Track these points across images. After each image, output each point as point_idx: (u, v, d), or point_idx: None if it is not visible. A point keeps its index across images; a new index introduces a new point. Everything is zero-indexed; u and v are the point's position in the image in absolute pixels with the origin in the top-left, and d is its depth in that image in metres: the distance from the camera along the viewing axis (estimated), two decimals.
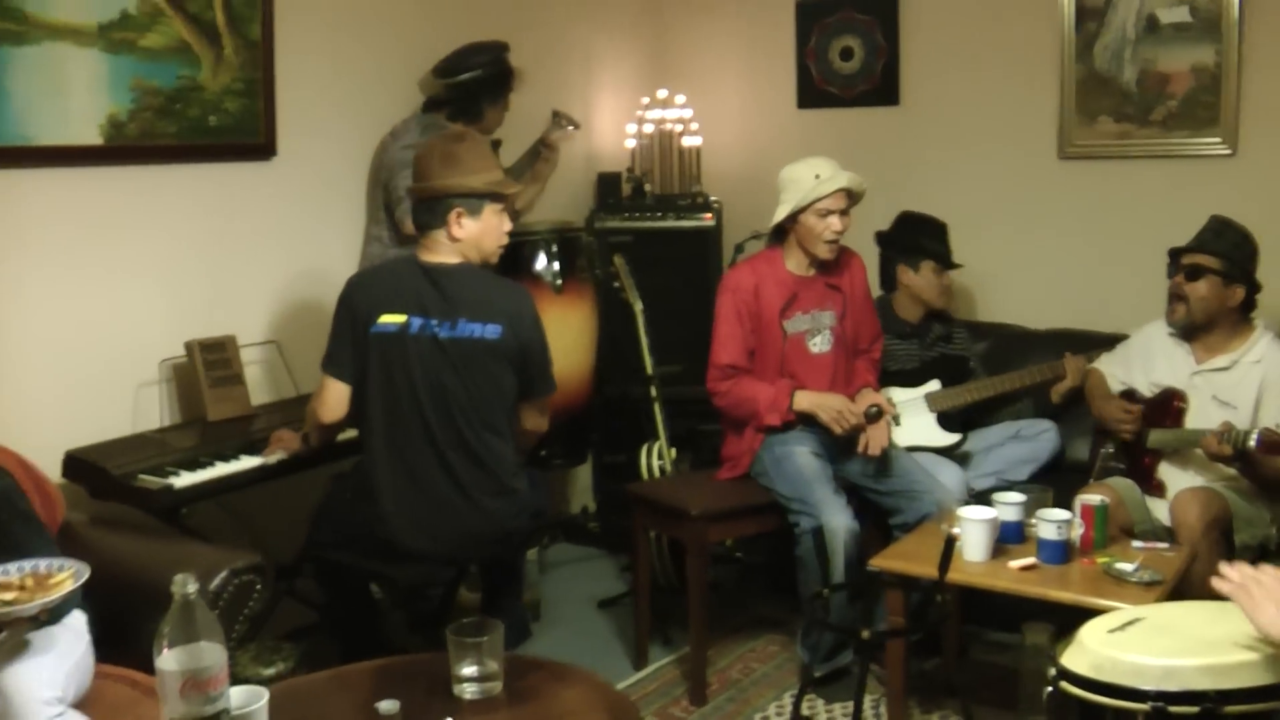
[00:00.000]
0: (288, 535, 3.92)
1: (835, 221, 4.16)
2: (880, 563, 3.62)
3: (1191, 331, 4.13)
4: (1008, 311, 5.22)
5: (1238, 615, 2.25)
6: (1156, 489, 4.10)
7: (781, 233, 4.25)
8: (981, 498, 4.24)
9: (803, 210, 4.15)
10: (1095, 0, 4.97)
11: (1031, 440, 4.66)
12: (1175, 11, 4.83)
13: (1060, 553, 3.46)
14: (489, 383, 3.50)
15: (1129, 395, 4.34)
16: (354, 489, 3.53)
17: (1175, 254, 4.16)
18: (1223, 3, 4.72)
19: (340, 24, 4.53)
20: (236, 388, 4.00)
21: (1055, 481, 4.39)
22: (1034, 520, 3.58)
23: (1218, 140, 4.82)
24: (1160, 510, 4.04)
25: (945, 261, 4.76)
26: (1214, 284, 4.04)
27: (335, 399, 3.49)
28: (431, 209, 3.50)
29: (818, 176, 4.15)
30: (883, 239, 4.84)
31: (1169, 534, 3.94)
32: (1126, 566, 3.36)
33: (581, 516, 5.59)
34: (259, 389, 4.21)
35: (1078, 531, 3.55)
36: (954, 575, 3.39)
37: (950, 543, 3.34)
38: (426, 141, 3.84)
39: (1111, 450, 4.32)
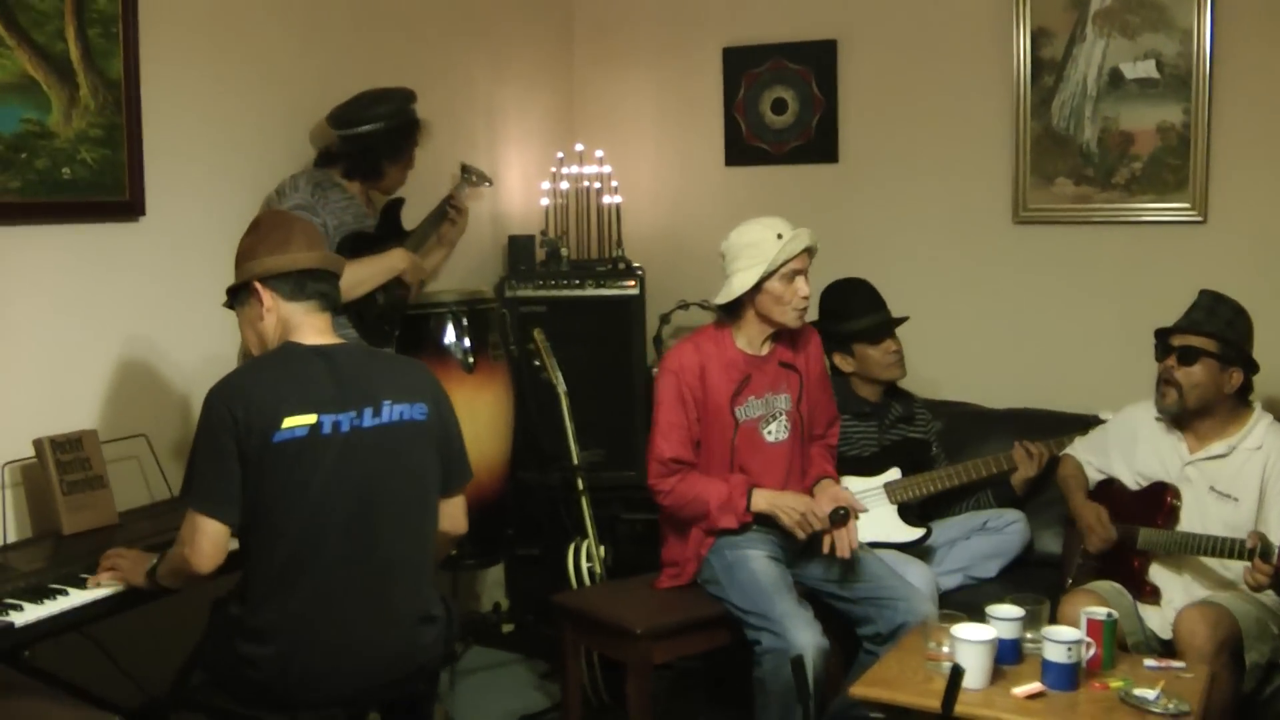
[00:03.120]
0: (170, 658, 3.37)
1: (803, 285, 3.72)
2: (862, 691, 3.12)
3: (1183, 418, 3.75)
4: (962, 389, 4.83)
5: None
6: (1150, 595, 3.70)
7: (735, 306, 3.76)
8: (947, 599, 3.90)
9: (770, 275, 3.68)
10: (1052, 52, 4.62)
11: (999, 533, 4.27)
12: (1140, 66, 4.49)
13: (1070, 677, 3.03)
14: (420, 475, 2.94)
15: (1107, 485, 3.95)
16: (235, 622, 2.88)
17: (1163, 334, 3.78)
18: (1192, 57, 4.40)
19: (219, 62, 3.96)
20: (98, 493, 3.37)
21: (1026, 579, 4.13)
22: (1032, 637, 3.17)
23: (1186, 206, 4.48)
24: (1154, 620, 3.66)
25: (875, 334, 4.31)
26: (1210, 368, 3.67)
27: (215, 545, 2.78)
28: (328, 280, 2.96)
29: (779, 236, 3.70)
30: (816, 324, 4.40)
31: (1164, 646, 3.57)
32: (1147, 694, 2.96)
33: (494, 616, 5.03)
34: (126, 492, 3.57)
35: (1089, 653, 3.10)
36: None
37: (957, 675, 2.85)
38: (263, 221, 3.26)
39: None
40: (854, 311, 4.34)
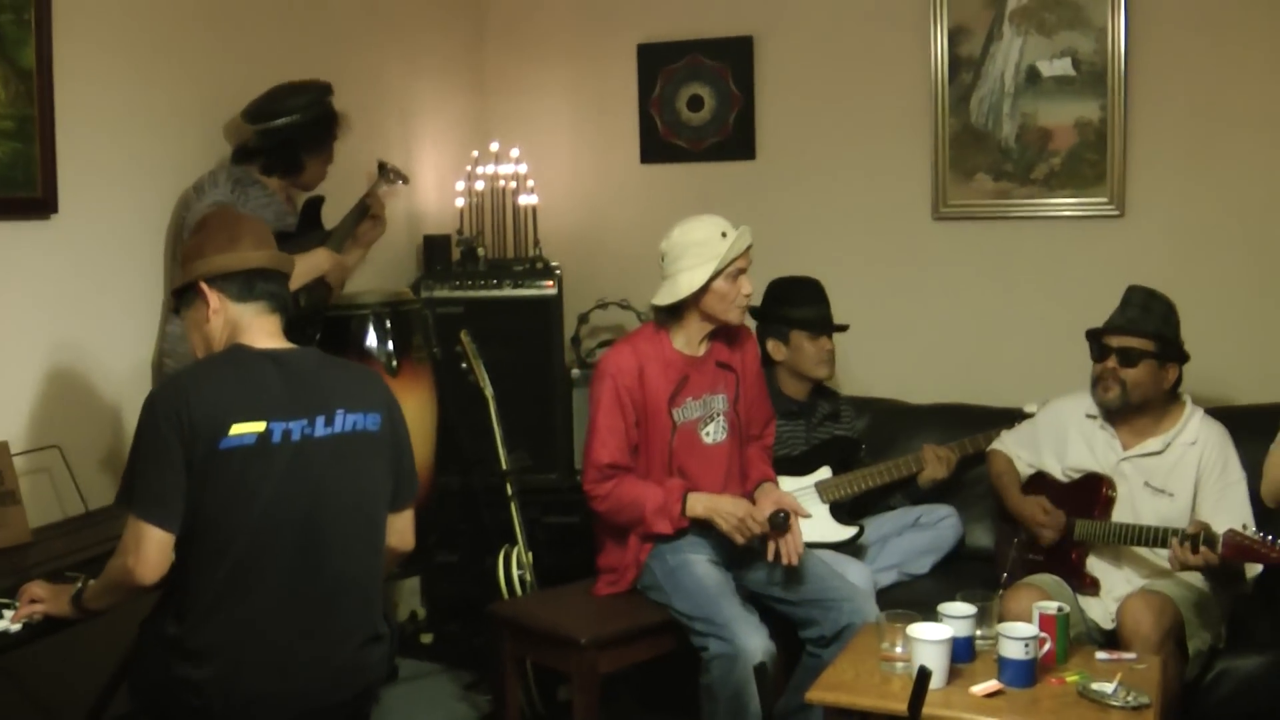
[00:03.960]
0: (90, 684, 3.17)
1: (746, 283, 3.67)
2: (820, 697, 3.06)
3: (1121, 414, 3.76)
4: (885, 385, 4.82)
5: None
6: (1089, 586, 3.72)
7: (676, 306, 3.68)
8: (882, 597, 3.87)
9: (718, 274, 3.61)
10: (970, 49, 4.64)
11: (932, 529, 4.28)
12: (1057, 64, 4.54)
13: (1028, 674, 3.01)
14: (372, 489, 2.80)
15: (1039, 478, 3.95)
16: (172, 643, 2.70)
17: (1098, 334, 3.79)
18: (1108, 54, 4.45)
19: (136, 53, 3.76)
20: (9, 509, 3.16)
21: (959, 574, 4.15)
22: (983, 634, 3.16)
23: (1104, 200, 4.54)
24: (1095, 610, 3.68)
25: (817, 327, 4.29)
26: (1150, 367, 3.70)
27: (161, 554, 2.60)
28: (277, 281, 2.81)
29: (724, 234, 3.63)
30: (753, 313, 4.35)
31: (1105, 637, 3.60)
32: (1106, 687, 2.94)
33: (411, 625, 4.88)
34: (39, 508, 3.36)
35: (1044, 648, 3.09)
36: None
37: (925, 676, 2.80)
38: (210, 219, 3.11)
39: (1026, 540, 3.92)
40: (800, 300, 4.31)
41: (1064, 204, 4.61)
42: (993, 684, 2.99)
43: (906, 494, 4.38)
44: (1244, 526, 3.31)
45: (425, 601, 4.97)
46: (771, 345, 4.31)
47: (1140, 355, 3.68)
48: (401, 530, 2.98)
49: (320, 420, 2.70)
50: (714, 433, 3.75)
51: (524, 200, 5.01)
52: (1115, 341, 3.71)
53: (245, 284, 2.76)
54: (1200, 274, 4.40)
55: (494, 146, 5.07)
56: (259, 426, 2.62)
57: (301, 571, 2.68)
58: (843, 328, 4.38)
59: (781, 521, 3.62)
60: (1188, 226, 4.47)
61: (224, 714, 2.65)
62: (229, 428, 2.59)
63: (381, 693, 4.28)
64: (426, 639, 4.81)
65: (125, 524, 2.61)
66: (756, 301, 4.30)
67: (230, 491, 2.61)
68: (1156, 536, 3.54)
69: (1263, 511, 3.53)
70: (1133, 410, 3.75)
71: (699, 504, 3.64)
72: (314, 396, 2.71)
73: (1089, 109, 4.51)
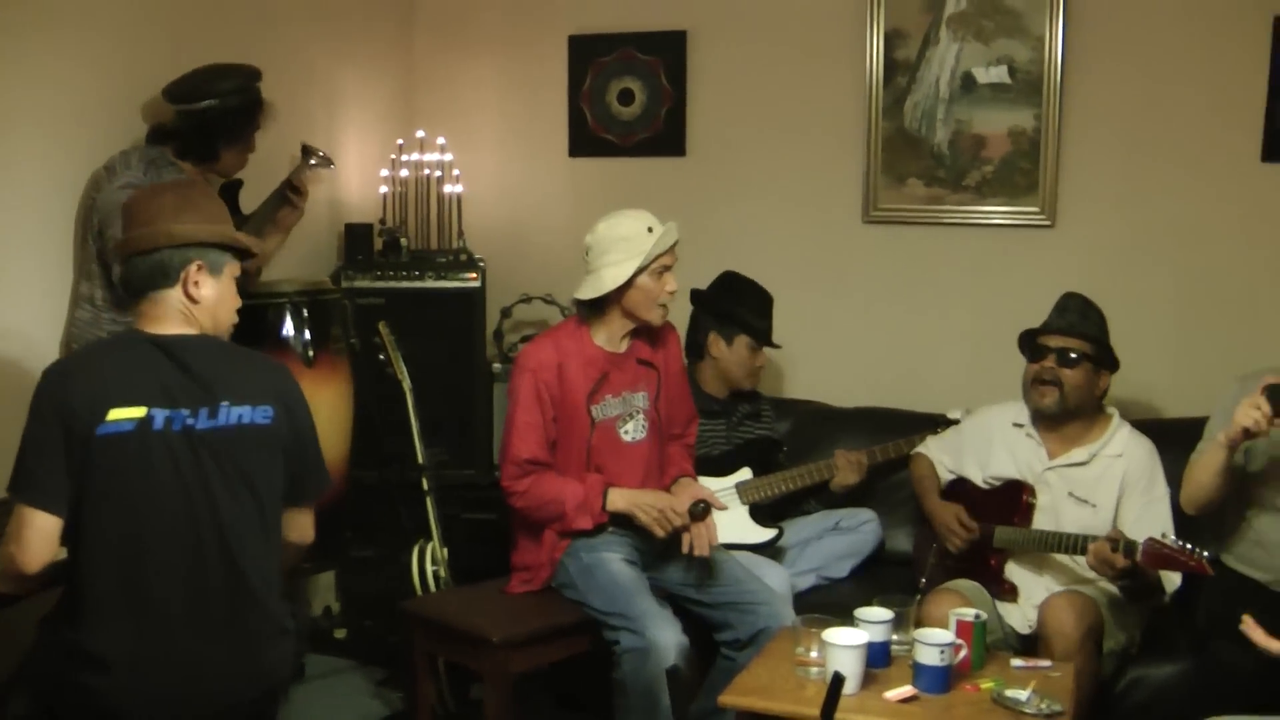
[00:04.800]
0: None
1: (671, 280, 3.62)
2: (733, 701, 3.01)
3: (1050, 421, 3.75)
4: (810, 388, 4.79)
5: None
6: (1008, 593, 3.71)
7: (598, 301, 3.62)
8: (801, 601, 3.84)
9: (642, 270, 3.55)
10: (906, 54, 4.62)
11: (852, 532, 4.26)
12: (993, 71, 4.52)
13: (942, 680, 2.98)
14: (263, 484, 2.70)
15: (960, 484, 3.95)
16: (69, 648, 2.61)
17: (1032, 336, 3.77)
18: (1044, 64, 4.44)
19: (45, 23, 3.62)
20: None
21: (879, 578, 4.13)
22: (899, 639, 3.13)
23: (1036, 210, 4.53)
24: (1014, 616, 3.67)
25: (764, 339, 4.26)
26: (1087, 371, 3.70)
27: (42, 539, 2.52)
28: (161, 264, 2.69)
29: (650, 230, 3.58)
30: (699, 298, 4.31)
31: (1022, 643, 3.58)
32: (1020, 694, 2.92)
33: (325, 620, 4.78)
34: None
35: (959, 654, 3.06)
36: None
37: (838, 682, 2.77)
38: (147, 185, 3.03)
39: (945, 545, 3.90)
40: (757, 307, 4.29)
41: (995, 212, 4.59)
42: (907, 690, 2.96)
43: (820, 499, 4.35)
44: (1163, 535, 3.31)
45: (340, 597, 4.88)
46: (713, 338, 4.26)
47: (1079, 358, 3.67)
48: (301, 525, 2.91)
49: (204, 412, 2.63)
50: (633, 431, 3.70)
51: (449, 190, 4.92)
52: (1054, 342, 3.70)
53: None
54: (1129, 286, 4.40)
55: (420, 134, 4.97)
56: (138, 412, 2.55)
57: (194, 569, 2.60)
58: (777, 346, 4.38)
59: (701, 511, 3.58)
60: (1118, 239, 4.47)
61: (126, 717, 2.57)
62: (107, 413, 2.52)
63: (291, 690, 4.21)
64: (340, 635, 4.72)
65: (13, 511, 2.54)
66: (698, 286, 4.28)
67: (109, 481, 2.53)
68: (1076, 544, 3.54)
69: (1182, 527, 3.54)
70: (1064, 418, 3.74)
71: (620, 499, 3.59)
72: (199, 387, 2.63)
73: (1023, 118, 4.49)
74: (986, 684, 3.00)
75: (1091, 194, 4.48)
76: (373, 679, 4.46)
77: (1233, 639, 2.58)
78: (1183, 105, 4.35)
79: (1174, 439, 3.78)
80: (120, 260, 2.79)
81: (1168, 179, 4.40)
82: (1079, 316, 3.72)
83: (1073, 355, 3.68)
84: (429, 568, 4.05)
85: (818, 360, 4.83)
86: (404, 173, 4.93)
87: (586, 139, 5.15)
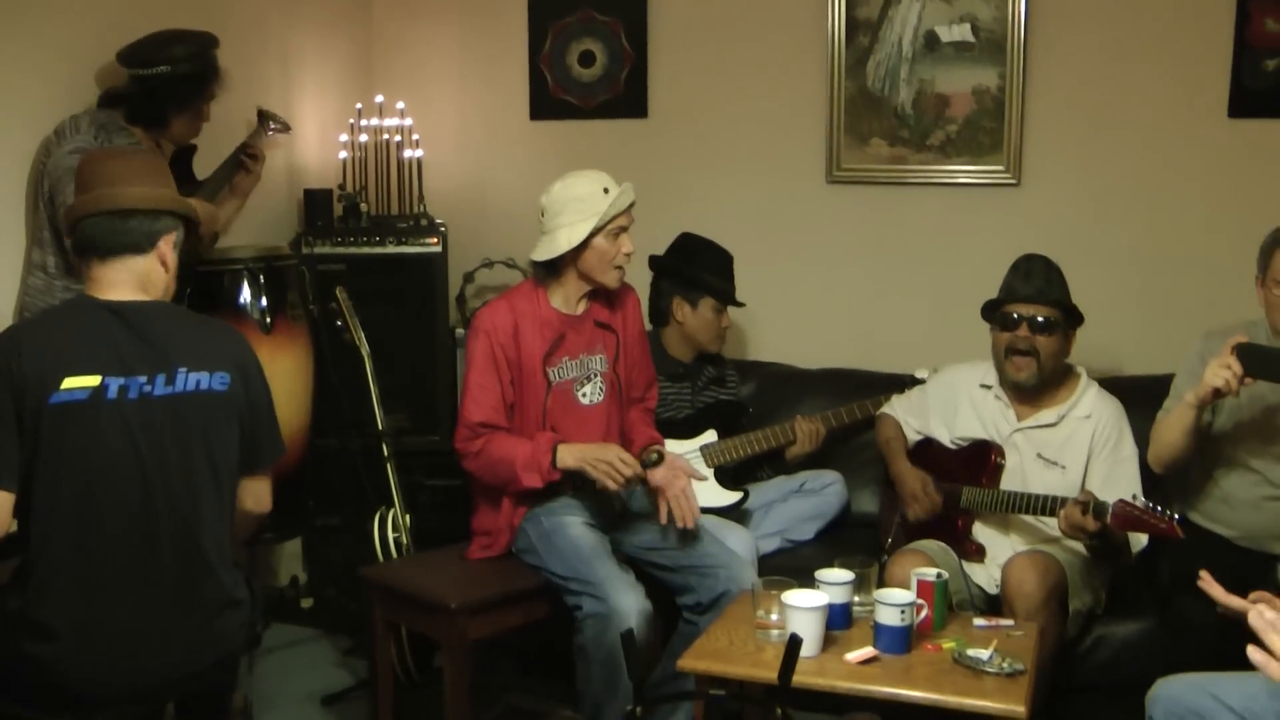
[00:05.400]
0: None
1: (627, 242, 3.56)
2: (692, 664, 2.99)
3: (1016, 387, 3.71)
4: (775, 349, 4.76)
5: None
6: (975, 553, 3.69)
7: (554, 263, 3.57)
8: (765, 563, 3.83)
9: (598, 231, 3.51)
10: (868, 12, 4.57)
11: (817, 495, 4.23)
12: (956, 29, 4.47)
13: (903, 640, 2.97)
14: (219, 451, 2.67)
15: (927, 445, 3.92)
16: (16, 618, 2.56)
17: (995, 305, 3.73)
18: (1008, 22, 4.40)
19: None
20: None
21: (844, 540, 4.11)
22: (861, 600, 3.12)
23: (1000, 168, 4.50)
24: (980, 576, 3.66)
25: (728, 299, 4.22)
26: (1060, 336, 3.66)
27: None
28: (129, 228, 2.64)
29: (606, 190, 3.52)
30: (658, 264, 4.26)
31: (988, 603, 3.58)
32: (981, 654, 2.92)
33: (292, 590, 4.74)
34: None
35: (920, 614, 3.05)
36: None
37: (795, 645, 2.74)
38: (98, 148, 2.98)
39: None
40: (718, 268, 4.25)
41: (960, 171, 4.56)
42: (868, 651, 2.95)
43: (775, 466, 4.32)
44: (1134, 497, 3.29)
45: (306, 565, 4.85)
46: (677, 303, 4.22)
47: (1053, 324, 3.64)
48: (258, 494, 2.87)
49: (160, 379, 2.58)
50: (591, 393, 3.65)
51: (409, 155, 4.86)
52: (1026, 310, 3.64)
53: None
54: (1094, 244, 4.39)
55: (379, 99, 4.89)
56: (92, 381, 2.49)
57: (146, 537, 2.56)
58: (742, 304, 4.35)
59: (654, 460, 3.53)
60: (1083, 196, 4.45)
61: (75, 689, 2.53)
62: (60, 382, 2.46)
63: (256, 661, 4.19)
64: (306, 603, 4.70)
65: None
66: (648, 253, 4.24)
67: (62, 451, 2.48)
68: (1044, 504, 3.52)
69: (1150, 487, 3.53)
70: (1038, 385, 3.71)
71: (569, 455, 3.51)
72: (155, 353, 2.58)
73: (987, 77, 4.45)
74: (948, 644, 3.00)
75: (1056, 152, 4.46)
76: (339, 648, 4.44)
77: (1197, 595, 2.56)
78: (1148, 62, 4.32)
79: (1139, 396, 3.78)
80: (75, 221, 2.70)
81: (1133, 136, 4.38)
82: (1045, 281, 3.66)
83: (1047, 321, 3.63)
84: (391, 535, 4.01)
85: (782, 322, 4.80)
86: (363, 138, 4.85)
87: (547, 102, 5.09)
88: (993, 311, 3.74)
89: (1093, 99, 4.39)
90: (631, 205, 3.57)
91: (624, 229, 3.55)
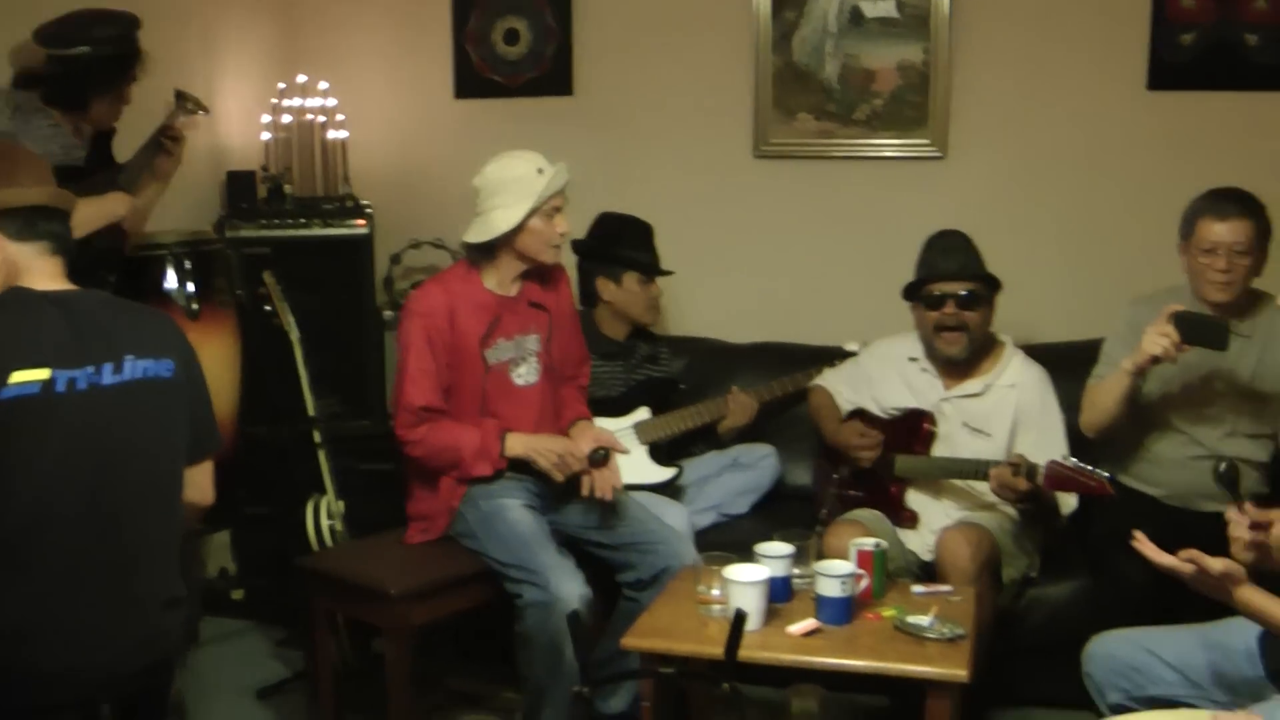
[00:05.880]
0: None
1: (562, 221, 3.56)
2: (636, 643, 3.00)
3: (955, 360, 3.76)
4: (706, 325, 4.77)
5: None
6: (908, 520, 3.75)
7: (488, 244, 3.55)
8: (701, 538, 3.82)
9: (533, 212, 3.49)
10: None
11: (751, 468, 4.26)
12: (880, 5, 4.51)
13: (845, 611, 3.00)
14: (170, 439, 2.61)
15: (859, 415, 3.96)
16: None
17: (918, 285, 3.76)
18: None
19: None
20: None
21: (779, 513, 4.14)
22: (800, 572, 3.14)
23: (926, 142, 4.55)
24: (914, 543, 3.71)
25: (650, 270, 4.22)
26: (986, 309, 3.71)
27: None
28: (60, 220, 2.59)
29: (540, 171, 3.51)
30: (579, 247, 4.25)
31: (923, 569, 3.62)
32: (922, 620, 2.97)
33: (222, 582, 4.67)
34: None
35: (860, 584, 3.08)
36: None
37: (740, 620, 2.75)
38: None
39: (845, 476, 3.92)
40: (636, 242, 4.24)
41: (886, 145, 4.60)
42: (810, 623, 2.98)
43: (708, 441, 4.33)
44: (1063, 457, 3.34)
45: (235, 556, 4.77)
46: (601, 283, 4.22)
47: (977, 297, 3.68)
48: (200, 484, 2.80)
49: (108, 368, 2.51)
50: (526, 374, 3.64)
51: (333, 135, 4.80)
52: (950, 287, 3.68)
53: (26, 222, 2.53)
54: (1019, 215, 4.46)
55: (301, 79, 4.83)
56: (42, 374, 2.42)
57: (94, 533, 2.48)
58: (669, 273, 4.33)
59: (601, 458, 3.55)
60: (1008, 168, 4.51)
61: (12, 690, 2.46)
62: (9, 376, 2.39)
63: (189, 655, 4.12)
64: (237, 595, 4.61)
65: None
66: (580, 234, 4.23)
67: (12, 447, 2.40)
68: (977, 469, 3.57)
69: (1075, 449, 3.58)
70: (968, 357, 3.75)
71: (518, 443, 3.54)
72: (101, 342, 2.51)
73: (912, 51, 4.49)
74: (888, 612, 3.04)
75: (981, 125, 4.51)
76: (272, 639, 4.38)
77: (1129, 554, 2.62)
78: (1070, 36, 4.39)
79: (1066, 362, 3.84)
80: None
81: (1056, 109, 4.44)
82: (965, 255, 3.71)
83: (972, 295, 3.67)
84: (324, 522, 3.97)
85: (713, 297, 4.81)
86: (286, 118, 4.79)
87: (473, 80, 5.05)
88: (915, 291, 3.77)
89: (1016, 73, 4.45)
90: (566, 185, 3.56)
91: (558, 209, 3.55)
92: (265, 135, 4.77)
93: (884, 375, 3.92)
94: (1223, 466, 2.59)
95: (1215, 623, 2.72)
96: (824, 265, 4.73)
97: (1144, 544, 2.50)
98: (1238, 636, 2.67)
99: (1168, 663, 2.71)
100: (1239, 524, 2.50)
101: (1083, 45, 4.37)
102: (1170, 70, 4.29)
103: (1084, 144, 4.43)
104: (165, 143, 3.92)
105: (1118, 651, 2.80)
